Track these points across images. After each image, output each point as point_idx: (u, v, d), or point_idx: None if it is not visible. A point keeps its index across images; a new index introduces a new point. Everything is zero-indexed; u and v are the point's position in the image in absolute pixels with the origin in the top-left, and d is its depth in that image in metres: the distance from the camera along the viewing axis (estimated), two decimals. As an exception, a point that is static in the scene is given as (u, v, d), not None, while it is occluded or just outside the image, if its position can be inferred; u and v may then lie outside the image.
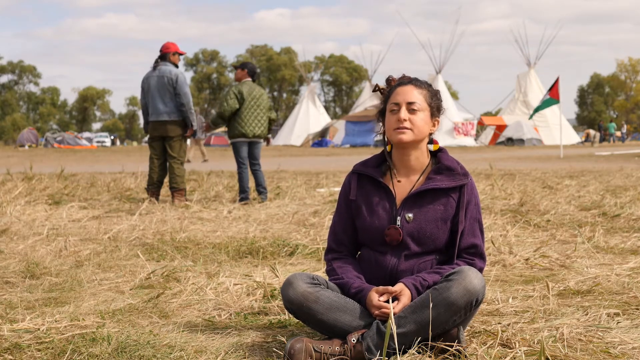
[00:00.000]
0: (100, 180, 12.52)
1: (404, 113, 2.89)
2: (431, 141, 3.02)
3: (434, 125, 2.98)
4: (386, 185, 2.96)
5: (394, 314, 2.72)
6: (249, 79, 9.12)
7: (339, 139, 46.56)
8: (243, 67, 9.16)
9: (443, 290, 2.69)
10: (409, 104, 2.90)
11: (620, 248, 5.24)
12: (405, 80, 2.97)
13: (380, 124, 3.03)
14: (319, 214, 7.24)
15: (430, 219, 2.90)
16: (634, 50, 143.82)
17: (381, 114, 3.02)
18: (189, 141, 23.93)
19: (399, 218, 2.90)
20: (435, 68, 49.09)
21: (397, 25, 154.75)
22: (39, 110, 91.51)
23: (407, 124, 2.89)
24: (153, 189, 9.00)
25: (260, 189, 9.13)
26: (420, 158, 2.98)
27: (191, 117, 8.91)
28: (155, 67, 8.97)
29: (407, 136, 2.90)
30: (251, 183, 9.77)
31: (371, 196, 2.98)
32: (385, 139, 3.04)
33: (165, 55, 9.01)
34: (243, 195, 8.97)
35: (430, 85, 3.00)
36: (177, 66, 9.07)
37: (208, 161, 22.86)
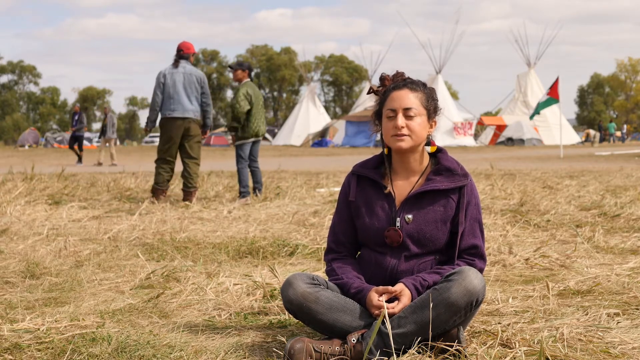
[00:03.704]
0: (100, 180, 12.52)
1: (401, 120, 2.87)
2: (429, 143, 3.00)
3: (431, 127, 2.96)
4: (385, 187, 2.96)
5: (394, 314, 2.72)
6: (248, 79, 9.34)
7: (339, 139, 46.54)
8: (242, 67, 9.27)
9: (443, 290, 2.69)
10: (406, 110, 2.88)
11: (620, 248, 5.24)
12: (400, 84, 2.93)
13: (376, 125, 3.02)
14: (319, 214, 7.24)
15: (430, 220, 2.90)
16: (634, 50, 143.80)
17: (377, 115, 3.00)
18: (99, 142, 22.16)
19: (398, 219, 2.90)
20: (435, 68, 49.06)
21: (397, 25, 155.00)
22: (39, 110, 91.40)
23: (404, 131, 2.87)
24: (164, 187, 9.02)
25: (258, 185, 9.51)
26: (420, 160, 2.97)
27: (211, 117, 9.22)
28: (177, 65, 8.94)
29: (405, 143, 2.89)
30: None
31: (371, 197, 2.97)
32: (383, 141, 3.02)
33: (187, 55, 9.03)
34: (245, 190, 9.16)
35: (425, 85, 2.96)
36: None
37: (117, 165, 20.41)
